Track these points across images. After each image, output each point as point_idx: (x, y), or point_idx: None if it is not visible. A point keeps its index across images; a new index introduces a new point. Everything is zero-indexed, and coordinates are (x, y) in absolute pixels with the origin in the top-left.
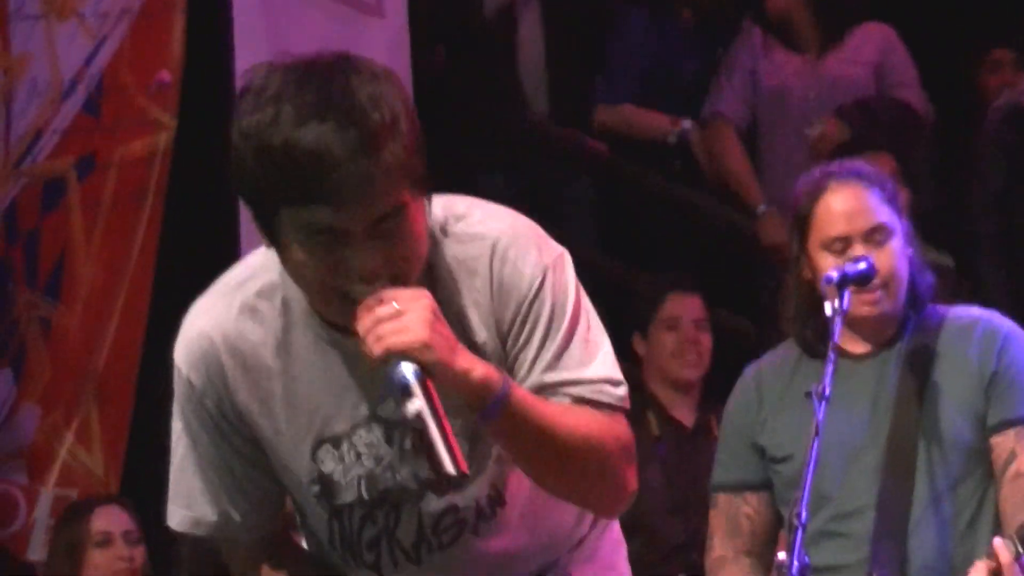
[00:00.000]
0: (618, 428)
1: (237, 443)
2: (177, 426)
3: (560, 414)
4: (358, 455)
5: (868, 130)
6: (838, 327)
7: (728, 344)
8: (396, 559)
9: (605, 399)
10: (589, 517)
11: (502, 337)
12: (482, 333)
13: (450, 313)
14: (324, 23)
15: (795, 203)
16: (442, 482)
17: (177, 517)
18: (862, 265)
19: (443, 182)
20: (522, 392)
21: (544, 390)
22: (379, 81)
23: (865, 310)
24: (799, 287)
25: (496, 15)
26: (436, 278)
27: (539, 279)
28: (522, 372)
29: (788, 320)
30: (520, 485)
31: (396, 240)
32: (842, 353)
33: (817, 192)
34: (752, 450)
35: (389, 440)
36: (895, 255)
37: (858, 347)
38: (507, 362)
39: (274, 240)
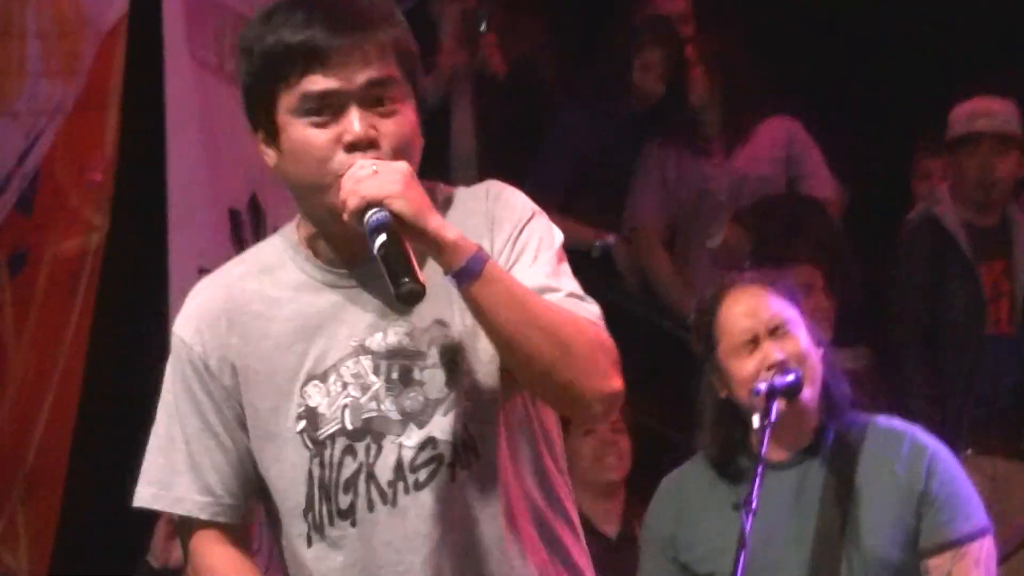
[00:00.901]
0: (599, 327)
1: (224, 416)
2: (165, 402)
3: (541, 297)
4: (344, 385)
5: (781, 235)
6: (766, 440)
7: (659, 452)
8: (372, 501)
9: (584, 310)
10: (556, 499)
11: (494, 253)
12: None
13: None
14: None
15: (696, 318)
16: (399, 293)
17: (148, 494)
18: (790, 377)
19: None
20: (499, 267)
21: None
22: (388, 3)
23: (792, 407)
24: (711, 401)
25: (428, 110)
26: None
27: (529, 213)
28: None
29: (703, 433)
30: (495, 446)
31: (387, 114)
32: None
33: (716, 302)
34: (674, 565)
35: (376, 371)
36: (804, 342)
37: (778, 454)
38: None
39: (275, 140)
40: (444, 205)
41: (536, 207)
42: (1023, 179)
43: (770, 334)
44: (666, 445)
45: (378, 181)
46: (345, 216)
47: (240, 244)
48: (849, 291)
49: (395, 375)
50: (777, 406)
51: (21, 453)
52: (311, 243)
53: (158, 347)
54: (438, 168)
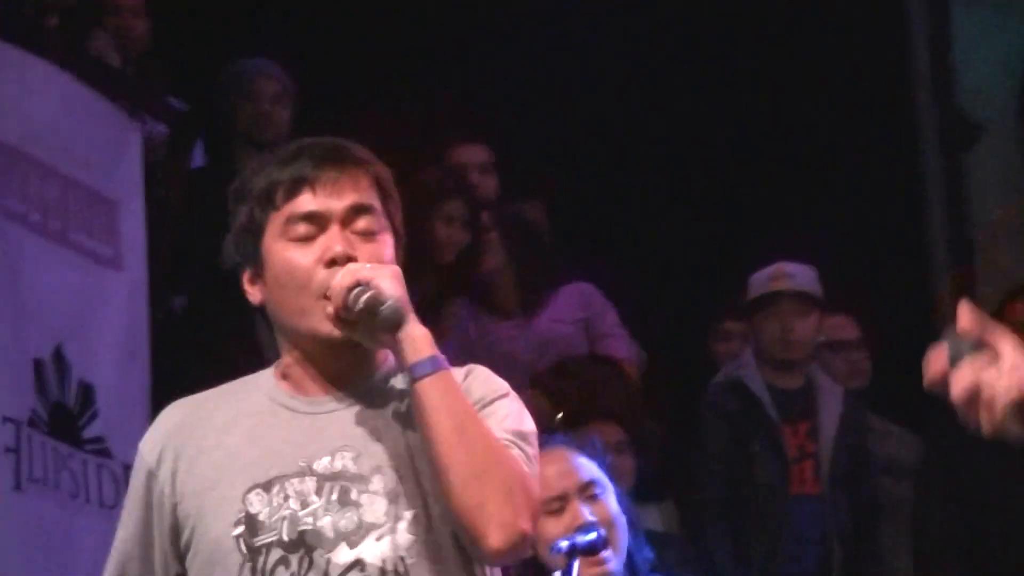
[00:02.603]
0: (527, 472)
1: (162, 526)
2: (121, 519)
3: (484, 423)
4: (286, 498)
5: (579, 396)
6: None
7: None
8: None
9: (523, 457)
10: None
11: None
12: None
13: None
14: (62, 274)
15: None
16: (386, 315)
17: None
18: (592, 535)
19: None
20: (455, 380)
21: None
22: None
23: (596, 571)
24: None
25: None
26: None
27: (503, 391)
28: None
29: None
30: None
31: (367, 238)
32: None
33: None
34: None
35: (319, 491)
36: (613, 507)
37: None
38: None
39: (261, 273)
40: None
41: (514, 394)
42: (824, 340)
43: (580, 495)
44: None
45: (370, 270)
46: (329, 295)
47: (44, 394)
48: (648, 450)
49: (335, 496)
50: (578, 565)
51: None
52: (285, 373)
53: None
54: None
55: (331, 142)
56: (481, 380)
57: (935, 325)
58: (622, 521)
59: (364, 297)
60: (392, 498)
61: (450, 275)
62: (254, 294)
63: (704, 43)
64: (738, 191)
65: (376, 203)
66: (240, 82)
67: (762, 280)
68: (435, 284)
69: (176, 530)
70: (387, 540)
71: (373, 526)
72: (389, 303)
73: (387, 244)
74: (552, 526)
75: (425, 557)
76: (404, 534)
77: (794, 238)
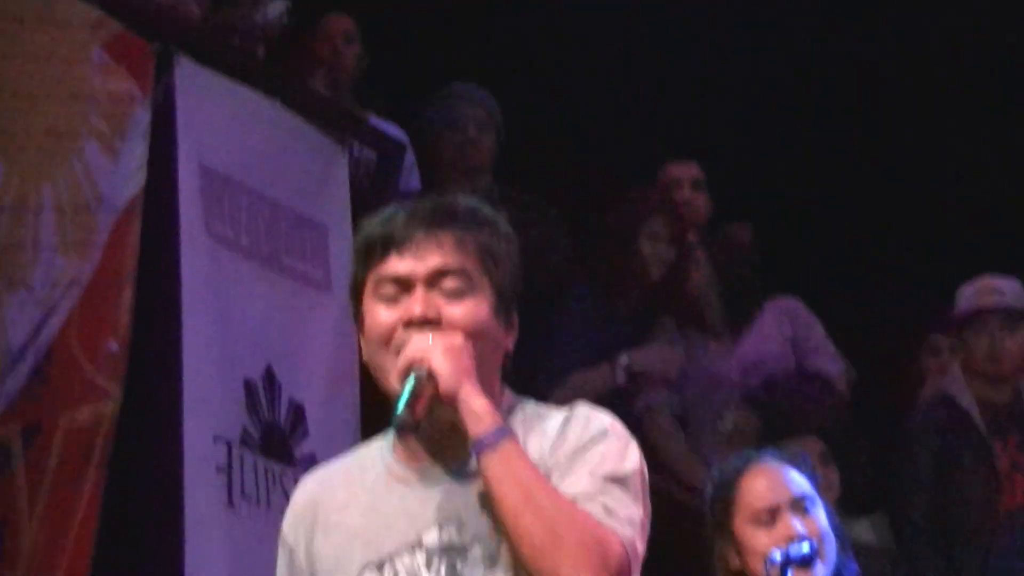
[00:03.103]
0: (607, 532)
1: None
2: None
3: (557, 493)
4: (396, 574)
5: (788, 413)
6: None
7: None
8: None
9: (608, 520)
10: None
11: (550, 465)
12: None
13: None
14: (271, 296)
15: (714, 489)
16: (394, 424)
17: None
18: (805, 547)
19: None
20: (523, 450)
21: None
22: (480, 206)
23: None
24: (723, 573)
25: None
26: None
27: (600, 432)
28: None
29: None
30: None
31: (453, 301)
32: None
33: (736, 475)
34: None
35: (428, 565)
36: (823, 521)
37: None
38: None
39: (362, 326)
40: (523, 415)
41: (616, 429)
42: None
43: (791, 508)
44: None
45: (427, 345)
46: (397, 377)
47: (255, 414)
48: (855, 464)
49: (443, 570)
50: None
51: None
52: (402, 439)
53: (171, 521)
54: None
55: (431, 202)
56: (579, 424)
57: None
58: (830, 535)
59: (406, 384)
60: (489, 564)
61: (658, 293)
62: (364, 350)
63: (913, 57)
64: (947, 202)
65: (468, 264)
66: (445, 109)
67: (970, 295)
68: (642, 302)
69: None
70: None
71: None
72: (408, 382)
73: (480, 304)
74: (763, 537)
75: None
76: None
77: (1002, 250)
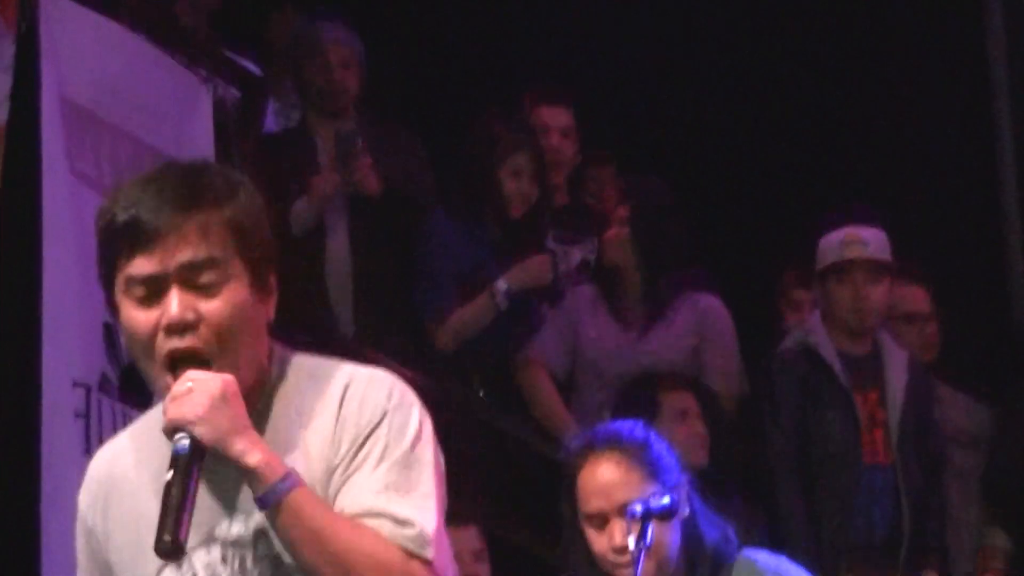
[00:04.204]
0: (408, 561)
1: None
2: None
3: (349, 529)
4: (195, 574)
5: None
6: (641, 562)
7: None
8: None
9: (401, 537)
10: None
11: (336, 463)
12: (314, 457)
13: (284, 430)
14: None
15: (561, 476)
16: (157, 547)
17: None
18: (666, 499)
19: None
20: (309, 495)
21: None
22: (223, 173)
23: None
24: (578, 544)
25: (303, 232)
26: (281, 394)
27: (379, 415)
28: (346, 497)
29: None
30: None
31: (211, 297)
32: None
33: (575, 469)
34: None
35: (224, 560)
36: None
37: None
38: (336, 486)
39: (117, 311)
40: (293, 383)
41: (393, 400)
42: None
43: (619, 515)
44: (534, 563)
45: (186, 403)
46: (160, 393)
47: (114, 358)
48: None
49: (236, 565)
50: (652, 527)
51: None
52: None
53: (27, 468)
54: (317, 292)
55: (172, 184)
56: (355, 403)
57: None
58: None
59: (167, 475)
60: (275, 564)
61: (519, 228)
62: (124, 342)
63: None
64: (812, 156)
65: (218, 251)
66: (309, 45)
67: (834, 246)
68: (503, 238)
69: None
70: None
71: None
72: (170, 476)
73: (237, 295)
74: (596, 540)
75: None
76: None
77: (867, 205)
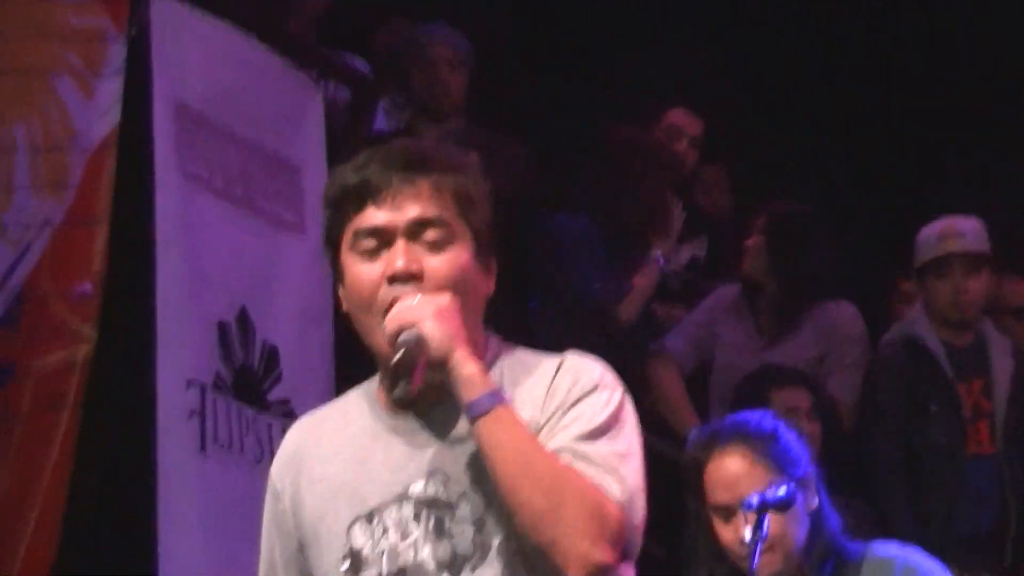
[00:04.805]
0: (605, 498)
1: (285, 553)
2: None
3: (553, 456)
4: (385, 529)
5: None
6: (758, 553)
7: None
8: None
9: (603, 480)
10: None
11: (542, 423)
12: (523, 420)
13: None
14: (244, 239)
15: (685, 472)
16: (394, 399)
17: None
18: (782, 491)
19: None
20: (518, 416)
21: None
22: (455, 149)
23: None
24: (705, 537)
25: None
26: (493, 373)
27: (590, 386)
28: (550, 443)
29: (694, 566)
30: None
31: (436, 253)
32: None
33: (701, 462)
34: None
35: (416, 518)
36: (779, 524)
37: None
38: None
39: (342, 278)
40: (509, 365)
41: (607, 381)
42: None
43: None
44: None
45: (415, 308)
46: (386, 341)
47: (229, 357)
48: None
49: (431, 525)
50: (769, 520)
51: (4, 572)
52: (384, 388)
53: (144, 462)
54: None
55: (404, 148)
56: (569, 377)
57: None
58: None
59: (396, 355)
60: (479, 526)
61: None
62: (344, 302)
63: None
64: (914, 148)
65: (447, 213)
66: (415, 48)
67: (931, 240)
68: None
69: (303, 553)
70: (480, 571)
71: (466, 558)
72: (400, 353)
73: (461, 254)
74: (723, 532)
75: None
76: (494, 563)
77: (968, 198)
